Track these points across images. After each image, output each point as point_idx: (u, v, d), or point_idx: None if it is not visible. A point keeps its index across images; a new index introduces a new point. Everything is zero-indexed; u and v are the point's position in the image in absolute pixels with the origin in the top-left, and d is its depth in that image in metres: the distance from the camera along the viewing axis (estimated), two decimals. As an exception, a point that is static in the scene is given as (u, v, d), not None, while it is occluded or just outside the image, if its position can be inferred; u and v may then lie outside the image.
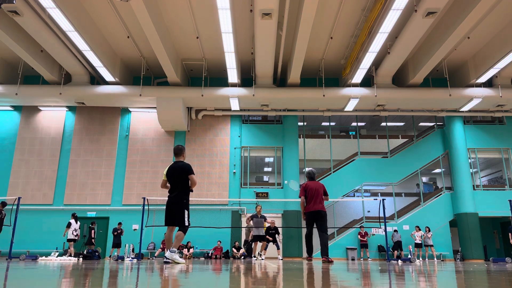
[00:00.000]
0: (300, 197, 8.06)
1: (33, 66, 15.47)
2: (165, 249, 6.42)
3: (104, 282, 2.35)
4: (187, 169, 6.20)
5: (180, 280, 2.53)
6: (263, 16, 11.78)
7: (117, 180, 17.81)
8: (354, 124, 20.16)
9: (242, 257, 15.55)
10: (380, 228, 16.51)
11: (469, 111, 17.86)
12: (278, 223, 17.84)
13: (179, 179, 6.19)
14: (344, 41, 15.47)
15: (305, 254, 17.46)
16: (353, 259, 16.45)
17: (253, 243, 13.07)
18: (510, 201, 13.87)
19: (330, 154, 18.80)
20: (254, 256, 12.89)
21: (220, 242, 16.57)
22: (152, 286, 2.08)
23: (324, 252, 7.45)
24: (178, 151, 6.43)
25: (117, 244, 15.46)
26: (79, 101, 16.72)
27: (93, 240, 15.46)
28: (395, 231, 16.92)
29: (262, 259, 12.55)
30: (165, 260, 6.19)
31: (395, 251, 16.36)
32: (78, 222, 14.24)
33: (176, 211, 6.19)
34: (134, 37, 15.28)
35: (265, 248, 12.95)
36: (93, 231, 15.57)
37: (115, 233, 15.60)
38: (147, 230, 16.90)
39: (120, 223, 15.85)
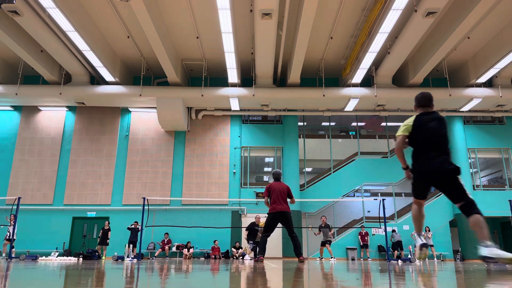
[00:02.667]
0: (264, 197, 8.07)
1: (33, 66, 15.47)
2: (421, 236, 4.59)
3: None
4: (446, 124, 4.51)
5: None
6: (263, 16, 11.79)
7: (117, 180, 17.81)
8: (354, 124, 20.17)
9: (241, 257, 15.55)
10: (380, 228, 16.52)
11: (469, 111, 17.87)
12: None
13: (443, 137, 4.39)
14: (344, 41, 15.48)
15: (305, 254, 17.46)
16: (353, 259, 16.45)
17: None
18: (510, 201, 13.87)
19: (330, 154, 18.80)
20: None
21: (217, 242, 16.51)
22: None
23: (299, 252, 7.62)
24: (427, 101, 4.57)
25: (132, 242, 15.04)
26: (79, 101, 16.73)
27: (107, 240, 15.39)
28: (393, 231, 16.89)
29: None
30: (485, 257, 3.85)
31: (395, 251, 16.36)
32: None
33: (450, 182, 4.14)
34: (134, 37, 15.28)
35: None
36: (109, 232, 15.48)
37: (131, 227, 15.31)
38: (147, 230, 16.91)
39: (136, 222, 15.49)
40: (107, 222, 15.90)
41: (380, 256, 17.28)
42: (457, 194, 4.11)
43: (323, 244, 14.42)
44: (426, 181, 4.30)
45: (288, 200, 8.08)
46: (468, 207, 4.03)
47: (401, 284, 2.34)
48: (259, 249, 7.89)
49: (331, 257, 14.50)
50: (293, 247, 7.63)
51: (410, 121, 4.52)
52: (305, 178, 18.55)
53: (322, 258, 14.46)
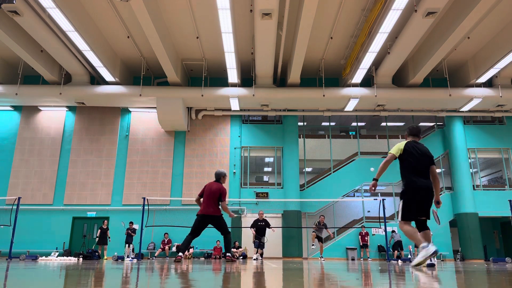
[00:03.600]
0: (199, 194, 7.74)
1: (33, 66, 15.47)
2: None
3: None
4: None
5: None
6: (263, 16, 11.79)
7: (117, 180, 17.81)
8: (354, 124, 20.17)
9: (241, 257, 15.55)
10: (380, 228, 16.52)
11: (469, 111, 17.87)
12: (278, 223, 17.84)
13: (431, 163, 5.20)
14: (344, 41, 15.48)
15: (305, 254, 17.47)
16: (353, 259, 16.45)
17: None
18: (510, 201, 13.87)
19: (330, 154, 18.80)
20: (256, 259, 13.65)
21: (219, 242, 16.57)
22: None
23: (227, 250, 7.56)
24: (418, 132, 5.50)
25: (127, 242, 15.11)
26: (79, 101, 16.73)
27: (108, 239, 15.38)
28: (393, 231, 16.86)
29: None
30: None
31: (395, 251, 16.35)
32: None
33: (431, 200, 5.07)
34: (134, 37, 15.29)
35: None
36: (108, 231, 15.45)
37: (128, 231, 15.22)
38: (147, 230, 16.90)
39: (131, 222, 15.52)
40: (105, 221, 15.90)
41: (380, 256, 17.28)
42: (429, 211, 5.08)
43: (320, 239, 14.54)
44: (418, 198, 4.99)
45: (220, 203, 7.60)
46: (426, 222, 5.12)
47: (401, 284, 2.34)
48: (181, 247, 7.32)
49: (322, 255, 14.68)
50: (224, 245, 7.57)
51: (401, 144, 5.28)
52: (305, 178, 18.56)
53: (322, 257, 14.58)
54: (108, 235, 15.51)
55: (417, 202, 5.00)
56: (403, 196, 5.09)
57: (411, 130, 5.49)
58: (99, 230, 15.65)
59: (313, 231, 14.66)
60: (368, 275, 3.27)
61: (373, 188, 5.28)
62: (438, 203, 5.26)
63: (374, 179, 5.34)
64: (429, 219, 5.10)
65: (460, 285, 2.35)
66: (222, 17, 11.92)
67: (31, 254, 15.87)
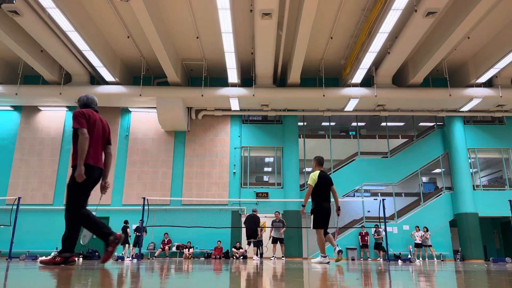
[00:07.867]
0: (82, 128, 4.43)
1: (33, 66, 15.48)
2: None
3: None
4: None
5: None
6: (263, 16, 11.79)
7: (117, 180, 17.81)
8: (354, 124, 20.16)
9: (242, 257, 15.55)
10: (380, 228, 16.53)
11: (469, 111, 17.87)
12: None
13: (329, 189, 7.51)
14: (344, 41, 15.48)
15: (305, 254, 17.47)
16: (353, 259, 16.45)
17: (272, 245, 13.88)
18: (510, 201, 13.86)
19: (330, 154, 18.80)
20: (273, 257, 13.66)
21: (220, 242, 16.58)
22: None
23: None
24: (322, 162, 7.59)
25: (137, 243, 14.72)
26: (79, 101, 16.70)
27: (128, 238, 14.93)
28: (376, 225, 16.56)
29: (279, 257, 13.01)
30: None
31: (380, 251, 16.36)
32: None
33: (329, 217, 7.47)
34: (134, 37, 15.29)
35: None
36: (128, 229, 14.78)
37: (138, 233, 14.85)
38: (147, 230, 16.91)
39: (141, 221, 15.20)
40: (126, 220, 15.03)
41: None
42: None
43: (275, 241, 13.52)
44: (324, 217, 7.32)
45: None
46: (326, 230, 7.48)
47: (400, 284, 2.34)
48: (71, 243, 4.26)
49: (282, 256, 13.79)
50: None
51: (315, 175, 7.39)
52: (305, 178, 18.56)
53: (276, 257, 13.75)
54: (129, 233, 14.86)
55: (323, 219, 7.32)
56: (315, 213, 7.32)
57: (319, 161, 7.53)
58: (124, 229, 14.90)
59: (273, 241, 13.54)
60: (368, 275, 3.27)
61: (303, 212, 7.63)
62: (338, 209, 7.56)
63: (302, 206, 7.48)
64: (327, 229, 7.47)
65: (460, 285, 2.35)
66: (222, 17, 11.93)
67: (31, 254, 15.86)
